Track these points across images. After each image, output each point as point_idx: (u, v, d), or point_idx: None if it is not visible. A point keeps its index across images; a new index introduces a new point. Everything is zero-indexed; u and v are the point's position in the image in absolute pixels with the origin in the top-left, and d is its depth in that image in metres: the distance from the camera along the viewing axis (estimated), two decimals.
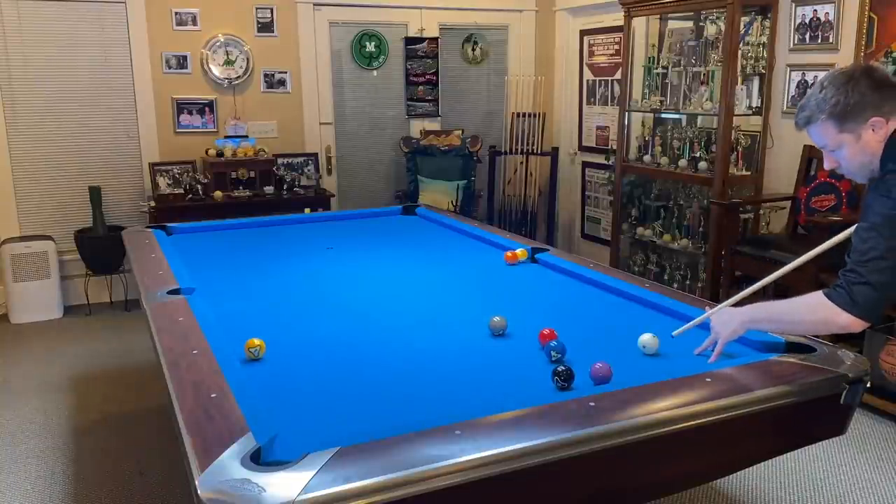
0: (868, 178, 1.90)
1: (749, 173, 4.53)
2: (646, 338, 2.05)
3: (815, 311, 1.81)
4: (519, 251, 3.02)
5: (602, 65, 5.88)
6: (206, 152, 5.26)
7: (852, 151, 1.87)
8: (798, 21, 4.29)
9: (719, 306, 2.14)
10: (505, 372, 1.93)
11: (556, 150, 6.22)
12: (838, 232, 2.16)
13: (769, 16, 4.40)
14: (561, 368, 1.79)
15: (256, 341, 2.03)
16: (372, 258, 3.19)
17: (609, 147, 5.75)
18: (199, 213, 4.77)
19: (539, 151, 6.06)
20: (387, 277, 2.90)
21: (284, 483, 1.29)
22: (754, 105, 4.50)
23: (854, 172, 1.92)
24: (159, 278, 2.71)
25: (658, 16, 5.00)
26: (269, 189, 5.24)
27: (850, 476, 3.05)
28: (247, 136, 5.42)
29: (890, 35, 3.88)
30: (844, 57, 4.08)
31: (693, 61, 4.65)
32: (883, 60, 3.91)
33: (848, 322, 1.74)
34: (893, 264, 1.71)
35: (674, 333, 2.13)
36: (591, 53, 5.97)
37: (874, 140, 1.84)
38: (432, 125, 6.06)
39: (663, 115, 4.97)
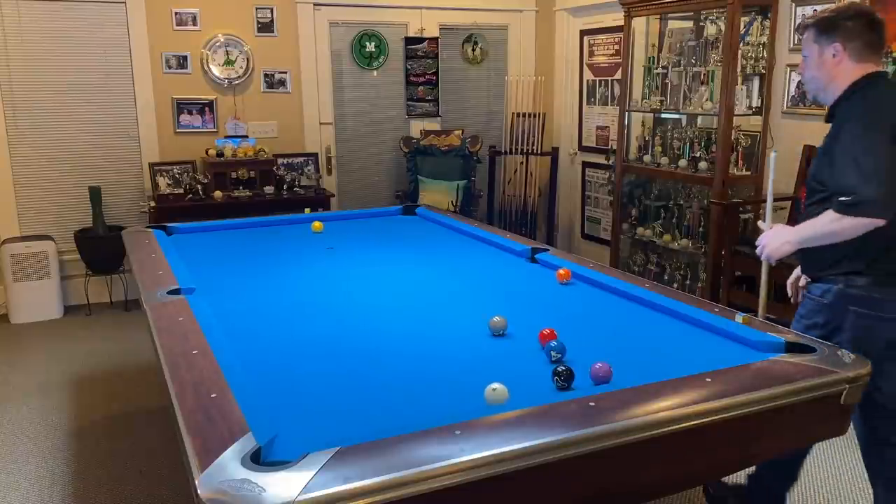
0: (813, 94, 2.37)
1: (749, 173, 4.53)
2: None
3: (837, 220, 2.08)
4: (563, 270, 2.82)
5: (602, 65, 5.88)
6: (206, 152, 5.26)
7: (811, 62, 2.28)
8: (798, 21, 4.29)
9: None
10: (505, 372, 1.93)
11: (556, 150, 6.22)
12: None
13: (769, 16, 4.40)
14: (561, 368, 1.79)
15: None
16: (372, 258, 3.19)
17: (609, 147, 5.75)
18: (199, 213, 4.77)
19: (539, 151, 6.06)
20: (387, 277, 2.90)
21: (284, 483, 1.29)
22: (754, 105, 4.50)
23: (806, 80, 2.36)
24: (159, 278, 2.71)
25: (658, 16, 5.00)
26: (269, 189, 5.24)
27: (850, 476, 3.05)
28: (247, 136, 5.42)
29: (890, 35, 3.88)
30: None
31: (693, 61, 4.65)
32: (883, 60, 3.90)
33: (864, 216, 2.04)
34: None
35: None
36: (591, 53, 5.97)
37: (830, 63, 2.23)
38: (432, 125, 6.06)
39: (663, 115, 4.97)
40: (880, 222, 2.04)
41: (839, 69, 2.22)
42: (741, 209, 4.44)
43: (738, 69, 4.38)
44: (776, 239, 2.30)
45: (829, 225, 2.10)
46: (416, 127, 6.04)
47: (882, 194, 2.01)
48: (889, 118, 2.12)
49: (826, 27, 2.23)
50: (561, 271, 2.74)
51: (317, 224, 3.80)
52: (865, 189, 2.02)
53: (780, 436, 1.82)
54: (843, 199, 2.06)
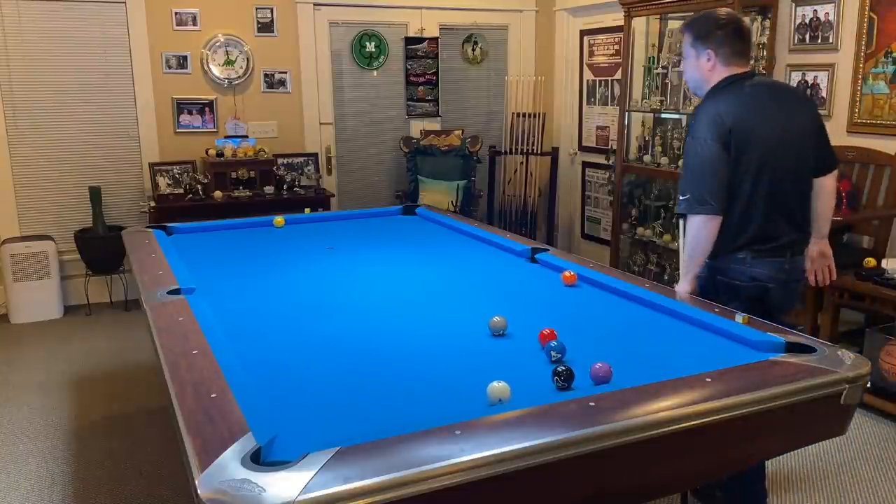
0: (693, 91, 2.65)
1: None
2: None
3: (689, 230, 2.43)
4: (568, 272, 2.79)
5: (602, 65, 5.88)
6: (206, 152, 5.26)
7: (689, 65, 2.56)
8: (798, 21, 4.30)
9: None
10: (505, 372, 1.93)
11: (556, 150, 6.22)
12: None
13: (769, 16, 4.40)
14: (561, 368, 1.79)
15: None
16: (372, 258, 3.19)
17: (609, 147, 5.75)
18: (199, 213, 4.77)
19: (539, 151, 6.06)
20: (387, 277, 2.90)
21: (284, 483, 1.29)
22: None
23: (686, 79, 2.65)
24: (159, 278, 2.70)
25: (658, 16, 5.00)
26: (269, 189, 5.24)
27: (850, 476, 3.05)
28: (247, 136, 5.42)
29: (890, 35, 3.89)
30: (845, 57, 4.08)
31: None
32: (883, 60, 3.91)
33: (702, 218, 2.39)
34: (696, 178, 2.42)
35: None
36: (591, 53, 5.97)
37: (704, 67, 2.50)
38: (432, 125, 6.06)
39: (663, 115, 4.97)
40: (716, 217, 2.37)
41: (712, 73, 2.49)
42: None
43: None
44: (679, 284, 2.58)
45: (687, 236, 2.44)
46: (416, 127, 6.04)
47: (706, 193, 2.34)
48: (725, 120, 2.37)
49: (700, 35, 2.48)
50: (567, 273, 2.73)
51: (278, 220, 3.84)
52: (693, 190, 2.37)
53: (779, 436, 1.82)
54: (680, 197, 2.41)
